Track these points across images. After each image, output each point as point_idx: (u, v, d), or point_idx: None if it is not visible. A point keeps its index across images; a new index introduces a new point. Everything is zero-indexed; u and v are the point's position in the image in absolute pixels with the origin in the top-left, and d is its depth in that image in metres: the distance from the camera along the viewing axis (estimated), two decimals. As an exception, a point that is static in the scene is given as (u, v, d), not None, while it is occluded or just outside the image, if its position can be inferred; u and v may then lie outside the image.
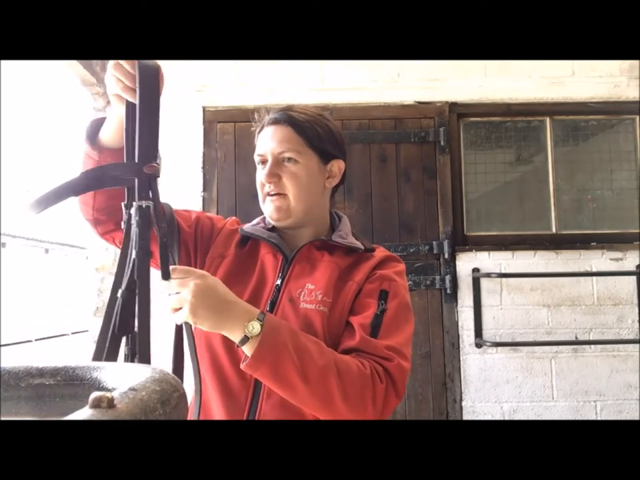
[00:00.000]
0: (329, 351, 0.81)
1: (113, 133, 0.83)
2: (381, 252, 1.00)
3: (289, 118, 0.95)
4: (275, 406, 0.87)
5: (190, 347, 0.79)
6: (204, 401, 0.91)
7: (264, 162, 0.96)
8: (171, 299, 0.75)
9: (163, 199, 0.74)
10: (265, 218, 1.04)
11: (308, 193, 0.96)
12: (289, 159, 0.94)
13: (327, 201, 1.04)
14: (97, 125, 0.86)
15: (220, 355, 0.91)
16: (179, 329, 0.77)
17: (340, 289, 0.92)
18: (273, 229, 1.02)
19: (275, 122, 0.96)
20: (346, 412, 0.78)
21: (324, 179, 1.00)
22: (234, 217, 1.09)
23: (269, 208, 0.97)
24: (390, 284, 0.92)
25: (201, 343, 0.92)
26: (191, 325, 0.77)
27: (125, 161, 0.72)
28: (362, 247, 0.98)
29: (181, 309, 0.74)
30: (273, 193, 0.95)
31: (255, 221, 1.05)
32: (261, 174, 0.96)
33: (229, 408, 0.88)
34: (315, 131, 0.96)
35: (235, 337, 0.77)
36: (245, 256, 0.99)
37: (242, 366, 0.78)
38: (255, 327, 0.75)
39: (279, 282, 0.94)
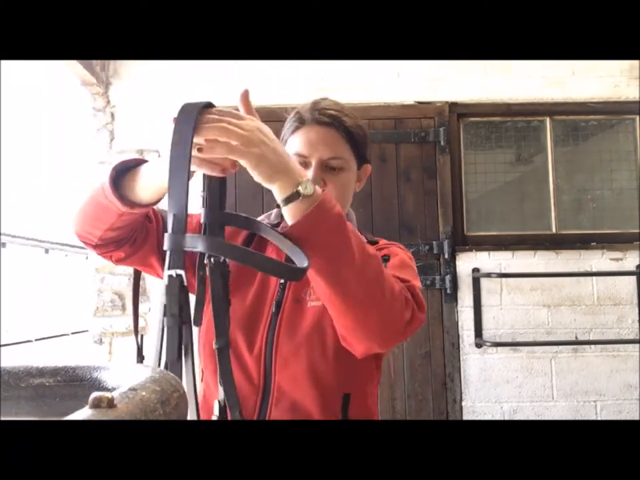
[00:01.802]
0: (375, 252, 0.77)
1: (154, 189, 0.71)
2: (382, 242, 1.01)
3: (340, 122, 0.91)
4: (284, 411, 0.84)
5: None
6: (211, 406, 0.89)
7: (304, 163, 0.91)
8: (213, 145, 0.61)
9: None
10: (270, 215, 1.01)
11: (345, 199, 0.94)
12: (336, 166, 0.91)
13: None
14: (124, 170, 0.74)
15: None
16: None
17: None
18: (278, 225, 0.98)
19: (324, 123, 0.90)
20: (387, 308, 0.72)
21: (355, 183, 0.98)
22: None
23: None
24: (389, 249, 0.93)
25: (205, 349, 0.88)
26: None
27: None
28: (364, 240, 0.97)
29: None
30: None
31: (259, 219, 0.99)
32: None
33: None
34: (359, 137, 0.93)
35: (285, 192, 0.66)
36: None
37: (291, 225, 0.67)
38: (308, 188, 0.66)
39: (282, 281, 0.91)
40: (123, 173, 0.75)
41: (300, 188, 0.66)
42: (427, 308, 0.93)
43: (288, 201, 0.66)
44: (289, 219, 0.68)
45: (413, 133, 2.66)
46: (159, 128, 2.52)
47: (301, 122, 0.92)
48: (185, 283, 0.57)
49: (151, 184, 0.71)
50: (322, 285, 0.71)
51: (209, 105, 0.63)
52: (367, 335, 0.75)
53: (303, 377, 0.84)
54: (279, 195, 0.67)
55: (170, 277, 0.56)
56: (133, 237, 0.85)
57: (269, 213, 1.02)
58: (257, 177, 0.66)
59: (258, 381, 0.86)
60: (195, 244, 0.57)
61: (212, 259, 0.65)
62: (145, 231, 0.87)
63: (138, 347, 0.86)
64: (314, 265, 0.68)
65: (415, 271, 0.92)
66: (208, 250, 0.58)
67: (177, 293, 0.56)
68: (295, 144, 0.92)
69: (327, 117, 0.90)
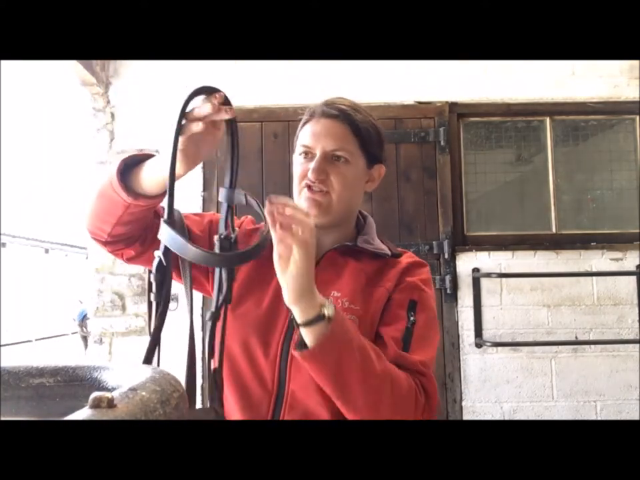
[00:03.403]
0: (383, 357, 0.78)
1: (157, 181, 0.75)
2: (407, 257, 0.97)
3: (347, 116, 0.91)
4: (297, 417, 0.83)
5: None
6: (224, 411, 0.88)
7: (309, 155, 0.92)
8: (280, 242, 0.72)
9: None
10: None
11: (350, 195, 0.93)
12: (340, 158, 0.90)
13: (360, 205, 1.01)
14: (132, 164, 0.78)
15: (240, 365, 0.87)
16: (191, 335, 0.74)
17: (369, 295, 0.89)
18: None
19: (331, 116, 0.91)
20: (392, 412, 0.75)
21: (364, 183, 0.97)
22: (249, 217, 1.05)
23: (306, 202, 0.91)
24: (420, 294, 0.90)
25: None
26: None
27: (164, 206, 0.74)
28: (388, 253, 0.96)
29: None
30: (316, 189, 0.90)
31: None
32: (304, 166, 0.92)
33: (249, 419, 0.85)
34: (369, 133, 0.93)
35: (307, 314, 0.72)
36: (265, 258, 0.92)
37: (297, 353, 0.73)
38: (330, 309, 0.72)
39: None
40: (131, 167, 0.78)
41: (325, 311, 0.71)
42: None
43: (310, 323, 0.72)
44: (311, 341, 0.72)
45: (412, 133, 2.66)
46: (159, 128, 2.52)
47: (310, 116, 0.94)
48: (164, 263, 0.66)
49: (153, 175, 0.75)
50: (325, 389, 0.76)
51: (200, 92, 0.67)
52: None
53: (317, 386, 0.82)
54: (301, 316, 0.72)
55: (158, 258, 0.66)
56: (143, 235, 0.86)
57: None
58: (286, 293, 0.72)
59: (271, 387, 0.85)
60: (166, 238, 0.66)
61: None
62: (156, 229, 0.87)
63: (151, 348, 0.86)
64: (320, 381, 0.75)
65: (437, 327, 0.93)
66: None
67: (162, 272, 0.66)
68: (302, 136, 0.94)
69: (334, 110, 0.91)
